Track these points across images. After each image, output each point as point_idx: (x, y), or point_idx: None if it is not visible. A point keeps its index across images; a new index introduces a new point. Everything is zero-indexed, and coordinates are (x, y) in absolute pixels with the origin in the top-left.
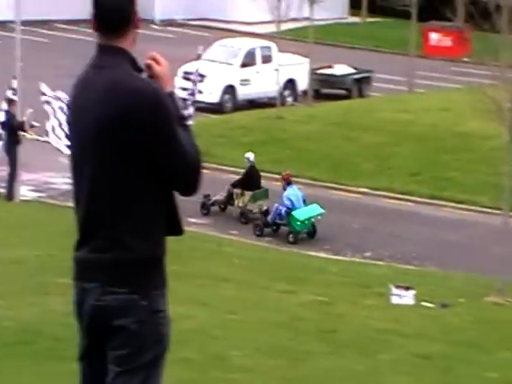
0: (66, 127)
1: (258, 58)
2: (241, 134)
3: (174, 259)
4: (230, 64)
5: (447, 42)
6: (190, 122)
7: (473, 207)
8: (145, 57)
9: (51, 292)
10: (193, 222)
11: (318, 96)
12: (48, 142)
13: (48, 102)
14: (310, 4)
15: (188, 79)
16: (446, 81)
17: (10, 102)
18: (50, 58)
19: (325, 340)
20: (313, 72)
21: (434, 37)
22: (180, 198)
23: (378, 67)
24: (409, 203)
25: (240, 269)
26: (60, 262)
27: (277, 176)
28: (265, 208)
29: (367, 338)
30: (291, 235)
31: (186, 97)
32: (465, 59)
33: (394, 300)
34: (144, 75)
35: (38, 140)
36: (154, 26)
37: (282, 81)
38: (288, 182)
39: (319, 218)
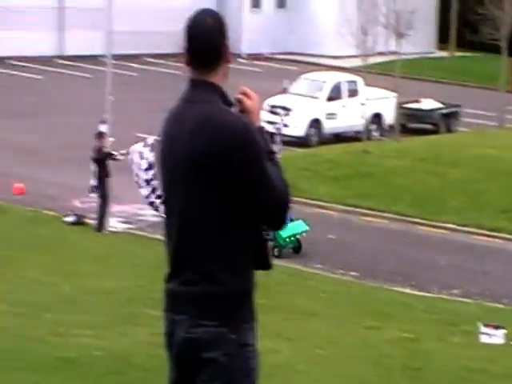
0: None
1: (344, 92)
2: (326, 168)
3: (261, 293)
4: (316, 98)
5: None
6: (278, 156)
7: None
8: (233, 90)
9: (140, 323)
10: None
11: (405, 130)
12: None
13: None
14: (397, 38)
15: (274, 113)
16: None
17: (100, 135)
18: (139, 91)
19: (411, 377)
20: (400, 106)
21: None
22: None
23: (466, 102)
24: (498, 240)
25: (326, 303)
26: (148, 294)
27: (362, 210)
28: None
29: (455, 377)
30: (276, 249)
31: (274, 131)
32: None
33: (483, 339)
34: (234, 109)
35: (126, 153)
36: (241, 60)
37: (369, 115)
38: None
39: (304, 235)
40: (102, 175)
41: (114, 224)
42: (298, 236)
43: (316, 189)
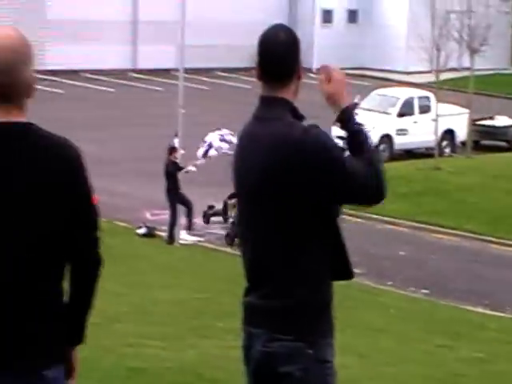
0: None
1: (416, 108)
2: (397, 184)
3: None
4: (388, 113)
5: None
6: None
7: None
8: (304, 105)
9: (209, 335)
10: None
11: (478, 147)
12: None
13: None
14: (471, 54)
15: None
16: None
17: (172, 149)
18: (210, 105)
19: None
20: (473, 123)
21: None
22: None
23: None
24: None
25: (396, 320)
26: (218, 306)
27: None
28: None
29: None
30: None
31: (344, 146)
32: None
33: None
34: (305, 123)
35: (195, 166)
36: (312, 75)
37: (441, 131)
38: None
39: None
40: (173, 188)
41: (184, 236)
42: None
43: (386, 205)
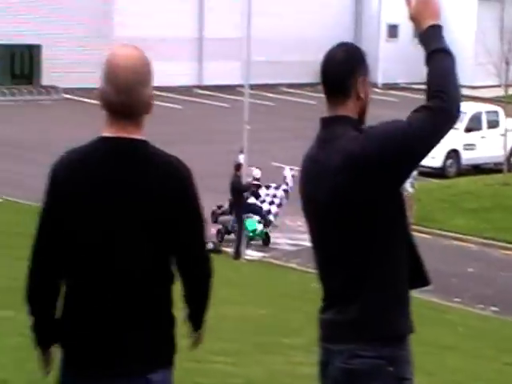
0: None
1: (484, 123)
2: (464, 200)
3: None
4: (455, 128)
5: None
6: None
7: None
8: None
9: (276, 351)
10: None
11: None
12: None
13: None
14: None
15: None
16: None
17: (238, 166)
18: (275, 121)
19: None
20: None
21: None
22: None
23: None
24: None
25: (464, 337)
26: (283, 323)
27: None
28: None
29: None
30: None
31: None
32: None
33: None
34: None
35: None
36: (377, 90)
37: (510, 146)
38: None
39: None
40: (239, 205)
41: (249, 252)
42: (264, 231)
43: (452, 220)
